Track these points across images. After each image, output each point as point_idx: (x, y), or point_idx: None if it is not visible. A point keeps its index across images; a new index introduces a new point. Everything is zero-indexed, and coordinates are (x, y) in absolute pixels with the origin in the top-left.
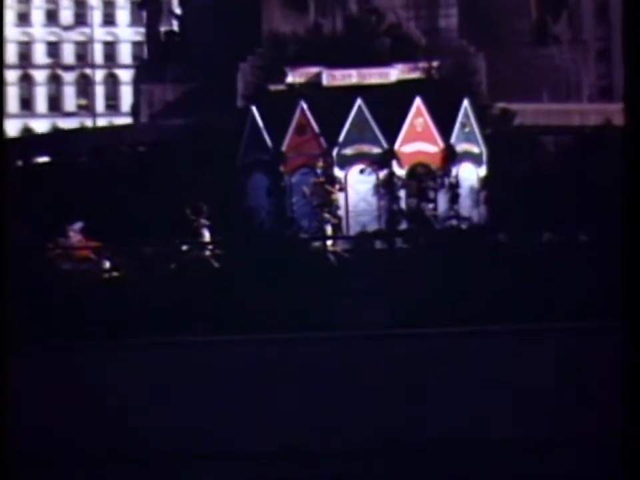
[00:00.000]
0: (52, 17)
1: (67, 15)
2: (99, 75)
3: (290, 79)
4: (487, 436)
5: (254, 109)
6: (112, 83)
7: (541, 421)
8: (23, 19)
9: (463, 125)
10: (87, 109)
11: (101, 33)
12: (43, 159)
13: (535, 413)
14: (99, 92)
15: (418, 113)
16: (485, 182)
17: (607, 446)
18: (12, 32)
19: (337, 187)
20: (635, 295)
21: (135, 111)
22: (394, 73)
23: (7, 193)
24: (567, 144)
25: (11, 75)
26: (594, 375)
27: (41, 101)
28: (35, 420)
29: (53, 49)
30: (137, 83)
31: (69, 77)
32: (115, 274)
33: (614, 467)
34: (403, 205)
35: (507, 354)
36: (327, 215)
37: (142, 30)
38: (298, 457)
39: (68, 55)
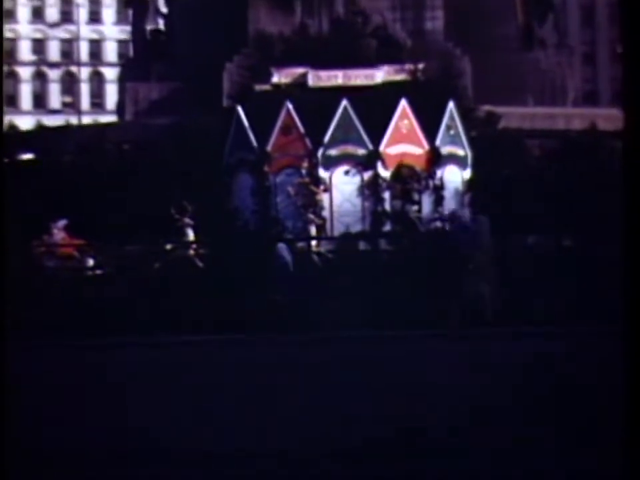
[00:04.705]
0: (38, 14)
1: (52, 12)
2: (84, 72)
3: (276, 79)
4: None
5: (239, 108)
6: (97, 80)
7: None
8: (9, 15)
9: (448, 128)
10: (72, 106)
11: (86, 31)
12: (28, 156)
13: (520, 414)
14: (84, 90)
15: (403, 115)
16: (470, 184)
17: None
18: None
19: (322, 187)
20: (634, 298)
21: (120, 109)
22: (379, 75)
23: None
24: (551, 148)
25: None
26: (569, 379)
27: (25, 97)
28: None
29: (39, 46)
30: (122, 81)
31: (54, 74)
32: (98, 272)
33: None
34: (387, 206)
35: (489, 356)
36: (311, 216)
37: (128, 28)
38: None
39: (53, 52)
